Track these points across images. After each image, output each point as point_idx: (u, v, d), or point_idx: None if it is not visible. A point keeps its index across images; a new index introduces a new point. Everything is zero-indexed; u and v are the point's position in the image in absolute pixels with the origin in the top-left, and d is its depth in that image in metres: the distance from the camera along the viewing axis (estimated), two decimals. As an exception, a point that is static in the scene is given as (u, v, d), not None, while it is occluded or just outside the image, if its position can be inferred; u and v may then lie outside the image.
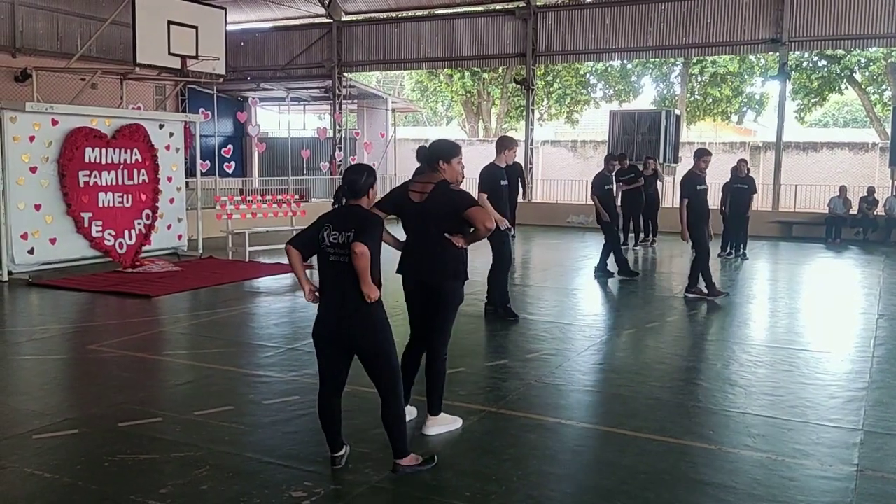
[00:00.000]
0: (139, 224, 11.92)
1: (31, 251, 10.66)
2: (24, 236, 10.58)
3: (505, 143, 7.93)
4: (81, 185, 11.12)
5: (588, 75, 32.72)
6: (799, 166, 24.74)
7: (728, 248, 13.57)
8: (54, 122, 10.86)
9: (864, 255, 14.35)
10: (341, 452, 4.16)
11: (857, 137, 31.88)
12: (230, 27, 17.29)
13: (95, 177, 11.31)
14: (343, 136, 23.43)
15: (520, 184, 14.71)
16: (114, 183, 11.57)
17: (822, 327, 8.26)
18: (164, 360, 6.60)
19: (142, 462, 4.24)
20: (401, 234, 4.65)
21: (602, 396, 5.68)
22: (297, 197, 14.49)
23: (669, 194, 17.68)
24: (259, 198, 13.57)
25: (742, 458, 4.41)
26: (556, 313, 8.90)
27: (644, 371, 6.28)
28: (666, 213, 15.05)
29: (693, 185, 9.25)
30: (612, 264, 11.38)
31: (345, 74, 23.01)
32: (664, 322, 8.26)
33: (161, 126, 12.51)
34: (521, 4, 20.36)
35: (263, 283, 10.46)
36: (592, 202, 11.12)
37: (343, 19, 22.56)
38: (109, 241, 11.47)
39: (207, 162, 16.29)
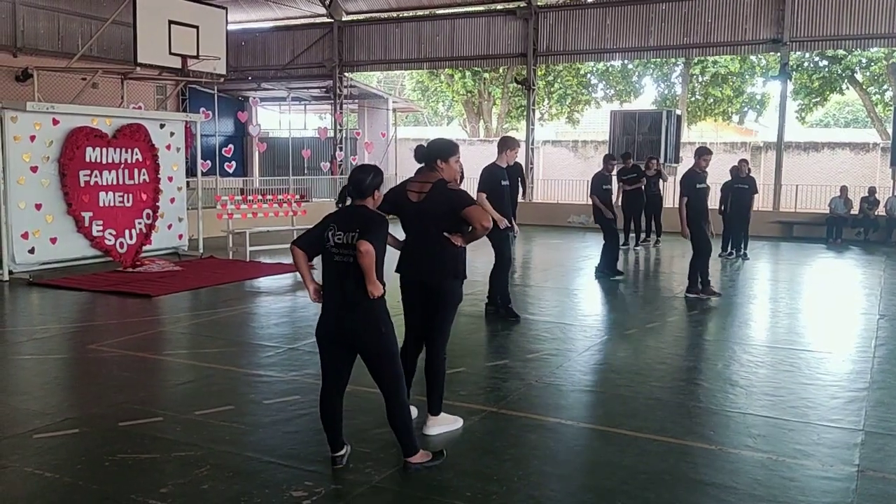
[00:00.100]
0: (140, 224, 11.92)
1: (31, 251, 10.67)
2: (25, 236, 10.58)
3: (507, 144, 7.92)
4: (82, 184, 11.13)
5: (589, 75, 32.72)
6: (800, 166, 24.73)
7: (729, 249, 13.57)
8: (55, 122, 10.86)
9: (864, 256, 14.34)
10: (342, 452, 4.16)
11: (858, 137, 31.86)
12: (231, 27, 17.31)
13: (96, 176, 11.31)
14: (344, 135, 23.43)
15: (520, 184, 14.72)
16: (114, 182, 11.57)
17: (823, 328, 8.25)
18: (165, 360, 6.60)
19: (142, 461, 4.24)
20: (399, 234, 4.64)
21: (603, 397, 5.68)
22: (297, 197, 14.48)
23: (669, 194, 17.67)
24: (260, 198, 13.57)
25: (743, 459, 4.40)
26: (557, 313, 8.89)
27: (645, 371, 6.28)
28: (666, 213, 15.04)
29: (693, 183, 9.26)
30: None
31: (346, 74, 23.01)
32: (665, 322, 8.26)
33: (162, 126, 12.52)
34: (522, 4, 20.35)
35: (264, 282, 10.46)
36: (593, 203, 11.12)
37: (344, 19, 22.56)
38: (110, 240, 11.47)
39: (208, 162, 16.30)
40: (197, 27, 14.51)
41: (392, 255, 4.57)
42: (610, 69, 31.90)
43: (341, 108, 23.10)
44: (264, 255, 12.64)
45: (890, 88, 28.83)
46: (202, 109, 15.87)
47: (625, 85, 32.58)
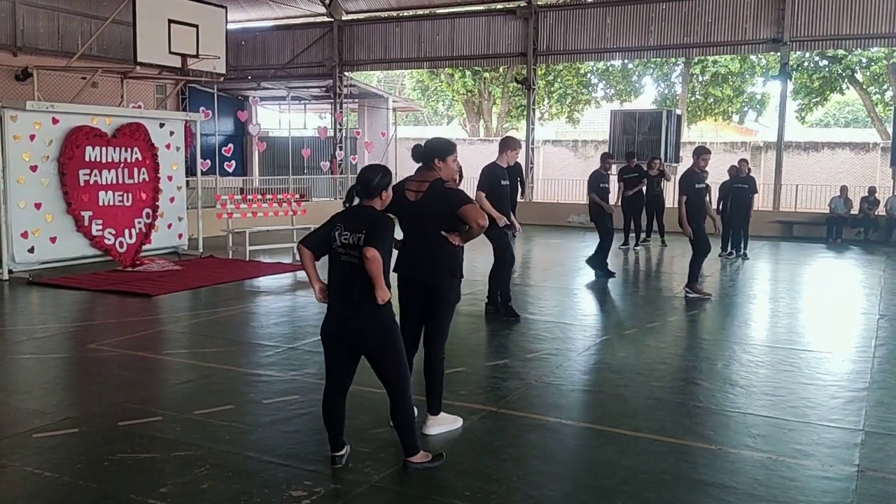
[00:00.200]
0: (139, 223, 11.92)
1: (31, 250, 10.67)
2: (25, 235, 10.58)
3: (508, 144, 7.92)
4: (82, 183, 11.12)
5: (589, 75, 32.72)
6: (800, 166, 24.73)
7: (729, 248, 13.57)
8: (55, 121, 10.86)
9: (864, 256, 14.34)
10: (342, 452, 4.16)
11: (858, 137, 31.87)
12: (231, 26, 17.30)
13: (96, 175, 11.31)
14: (344, 135, 23.42)
15: (519, 184, 14.67)
16: (114, 182, 11.57)
17: (823, 327, 8.25)
18: (165, 359, 6.60)
19: (142, 461, 4.24)
20: (398, 233, 4.64)
21: (602, 396, 5.67)
22: (297, 196, 14.48)
23: (669, 194, 17.66)
24: (259, 197, 13.56)
25: (743, 459, 4.40)
26: (557, 313, 8.89)
27: (644, 371, 6.28)
28: (668, 213, 15.04)
29: (692, 183, 9.26)
30: (611, 264, 11.39)
31: (345, 73, 23.01)
32: (665, 322, 8.26)
33: (161, 125, 12.52)
34: (523, 4, 20.35)
35: (264, 282, 10.45)
36: (588, 200, 11.16)
37: (344, 18, 22.55)
38: (110, 239, 11.47)
39: (208, 161, 16.30)
40: (197, 26, 14.50)
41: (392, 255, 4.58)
42: (610, 69, 31.90)
43: (341, 107, 23.09)
44: (264, 254, 12.64)
45: (890, 88, 28.82)
46: (202, 109, 15.87)
47: (625, 84, 32.58)
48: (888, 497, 3.95)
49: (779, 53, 18.70)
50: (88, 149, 11.19)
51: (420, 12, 21.84)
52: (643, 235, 15.16)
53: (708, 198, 13.99)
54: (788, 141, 22.56)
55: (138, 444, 4.47)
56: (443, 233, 4.45)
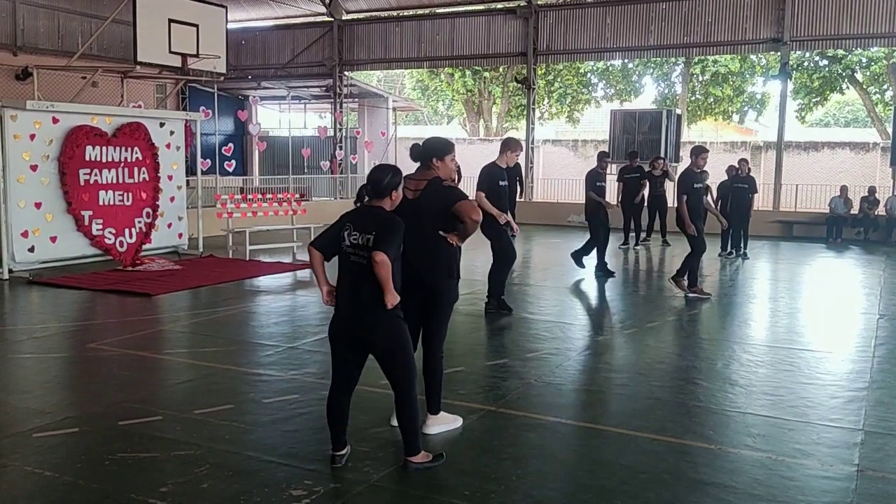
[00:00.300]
0: (140, 222, 11.92)
1: (31, 249, 10.67)
2: (25, 234, 10.58)
3: (508, 145, 7.95)
4: (82, 183, 11.13)
5: (589, 74, 32.72)
6: (800, 166, 24.73)
7: (728, 248, 13.58)
8: (55, 121, 10.86)
9: (864, 255, 14.34)
10: (343, 451, 4.16)
11: (858, 137, 31.88)
12: (231, 25, 17.30)
13: (96, 175, 11.32)
14: (344, 134, 23.42)
15: (518, 184, 14.72)
16: (114, 181, 11.57)
17: (823, 327, 8.25)
18: (165, 359, 6.60)
19: (142, 460, 4.24)
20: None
21: (602, 396, 5.68)
22: (297, 196, 14.48)
23: (671, 194, 17.68)
24: (259, 196, 13.56)
25: (742, 458, 4.40)
26: (557, 312, 8.89)
27: (644, 370, 6.28)
28: (671, 213, 15.05)
29: (690, 182, 9.26)
30: (611, 264, 11.40)
31: (346, 73, 23.01)
32: (665, 321, 8.26)
33: (162, 124, 12.52)
34: (523, 3, 20.35)
35: (264, 281, 10.46)
36: (586, 198, 11.18)
37: (344, 18, 22.55)
38: (110, 239, 11.48)
39: (208, 160, 16.31)
40: (197, 26, 14.49)
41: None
42: (610, 68, 31.91)
43: (341, 106, 23.09)
44: (264, 254, 12.64)
45: (890, 88, 28.83)
46: (202, 108, 15.88)
47: (625, 84, 32.58)
48: (888, 496, 3.96)
49: (779, 53, 18.70)
50: (89, 148, 11.19)
51: (420, 12, 21.84)
52: (643, 235, 15.15)
53: (709, 198, 14.08)
54: (788, 141, 22.56)
55: (138, 443, 4.47)
56: (441, 233, 4.45)
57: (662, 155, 17.66)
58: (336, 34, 22.45)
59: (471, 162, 13.92)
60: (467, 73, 31.99)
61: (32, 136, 10.61)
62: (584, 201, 11.29)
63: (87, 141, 11.18)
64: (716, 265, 12.50)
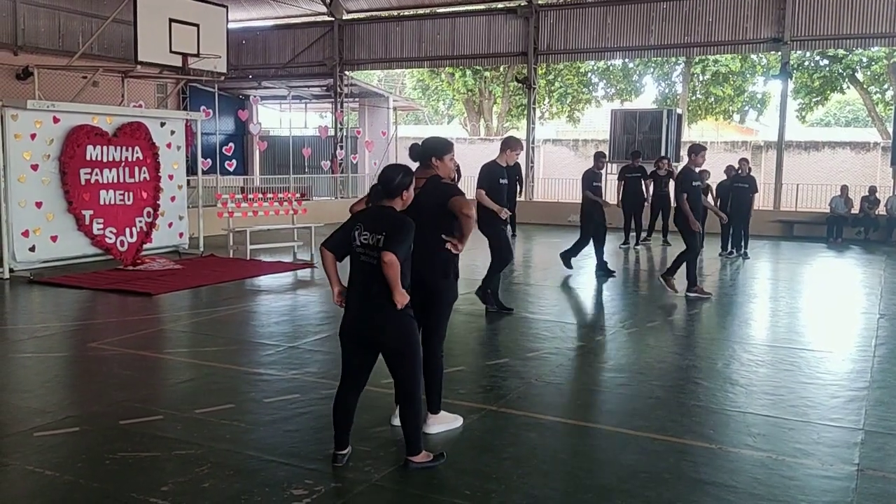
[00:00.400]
0: (140, 222, 11.93)
1: (32, 249, 10.68)
2: (26, 234, 10.59)
3: (509, 144, 7.97)
4: (83, 182, 11.13)
5: (590, 74, 32.71)
6: (800, 166, 24.73)
7: (729, 248, 13.58)
8: (56, 120, 10.87)
9: (865, 255, 14.34)
10: (345, 451, 4.17)
11: (859, 137, 31.87)
12: (231, 25, 17.28)
13: (97, 174, 11.32)
14: (344, 134, 23.43)
15: (517, 182, 14.72)
16: (115, 181, 11.58)
17: (824, 327, 8.25)
18: (165, 358, 6.60)
19: (143, 460, 4.24)
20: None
21: (602, 395, 5.68)
22: (298, 195, 14.48)
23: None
24: (260, 196, 13.56)
25: (743, 458, 4.40)
26: (557, 312, 8.89)
27: (645, 370, 6.28)
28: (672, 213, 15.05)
29: (689, 181, 9.25)
30: (611, 263, 11.41)
31: (346, 73, 23.01)
32: (665, 321, 8.26)
33: (162, 124, 12.53)
34: (523, 3, 20.35)
35: (264, 281, 10.46)
36: (582, 198, 11.22)
37: (345, 17, 22.55)
38: (111, 238, 11.48)
39: (209, 160, 16.31)
40: (197, 25, 14.49)
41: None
42: (611, 68, 31.90)
43: (342, 106, 23.09)
44: (265, 253, 12.64)
45: (891, 88, 28.81)
46: (203, 108, 15.89)
47: (625, 84, 32.57)
48: (888, 496, 3.96)
49: (779, 53, 18.70)
50: (89, 148, 11.20)
51: (421, 11, 21.84)
52: (644, 234, 15.15)
53: (709, 197, 14.09)
54: (789, 140, 22.56)
55: (139, 442, 4.47)
56: (443, 236, 4.45)
57: (663, 154, 17.68)
58: (336, 34, 22.45)
59: (471, 161, 13.91)
60: (468, 72, 31.99)
61: (33, 136, 10.61)
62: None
63: (88, 140, 11.18)
64: (716, 265, 12.50)
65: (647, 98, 33.55)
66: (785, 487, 4.01)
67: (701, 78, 30.83)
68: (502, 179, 7.94)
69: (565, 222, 19.12)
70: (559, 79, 32.18)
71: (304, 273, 11.10)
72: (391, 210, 3.99)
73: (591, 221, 11.04)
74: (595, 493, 3.94)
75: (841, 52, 26.13)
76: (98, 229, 11.33)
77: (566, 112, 33.86)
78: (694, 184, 9.30)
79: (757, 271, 12.21)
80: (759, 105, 33.09)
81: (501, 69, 30.90)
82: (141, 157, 11.95)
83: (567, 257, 11.21)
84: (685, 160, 14.92)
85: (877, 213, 16.81)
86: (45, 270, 10.60)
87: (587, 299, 9.89)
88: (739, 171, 13.61)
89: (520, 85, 21.88)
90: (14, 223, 10.44)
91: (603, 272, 11.00)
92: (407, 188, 4.03)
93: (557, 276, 11.06)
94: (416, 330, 4.03)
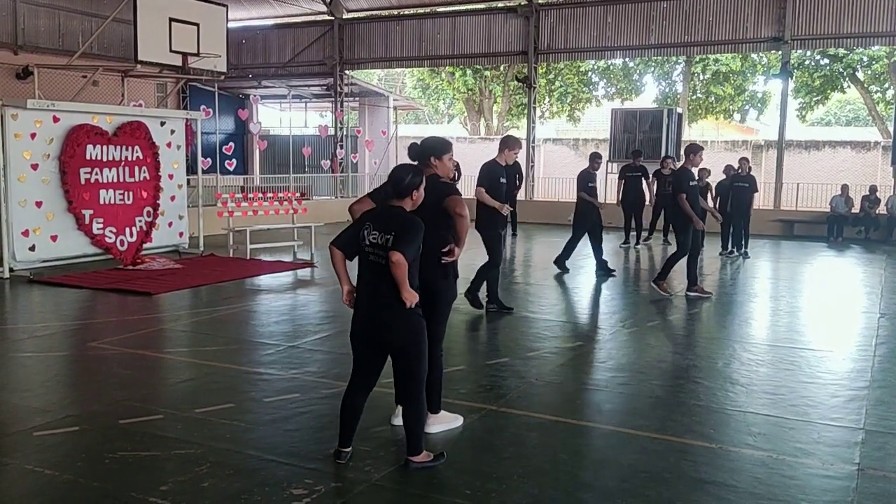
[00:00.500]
0: (140, 221, 11.92)
1: (32, 248, 10.67)
2: (26, 233, 10.59)
3: (507, 143, 7.99)
4: (83, 182, 11.13)
5: (590, 73, 32.70)
6: (801, 165, 24.73)
7: (729, 247, 13.58)
8: (55, 120, 10.86)
9: (865, 254, 14.34)
10: (348, 449, 4.17)
11: (860, 136, 31.89)
12: (231, 24, 17.27)
13: (97, 174, 11.32)
14: (344, 133, 23.42)
15: (516, 179, 14.71)
16: (115, 180, 11.57)
17: (824, 326, 8.25)
18: (165, 358, 6.60)
19: (142, 459, 4.24)
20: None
21: (603, 395, 5.67)
22: (298, 195, 14.48)
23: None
24: (260, 195, 13.56)
25: (743, 457, 4.40)
26: (558, 311, 8.89)
27: (645, 369, 6.28)
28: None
29: (687, 180, 9.25)
30: (611, 263, 11.40)
31: (346, 72, 23.00)
32: (665, 320, 8.26)
33: (162, 123, 12.52)
34: (524, 2, 20.34)
35: (264, 280, 10.46)
36: (577, 199, 11.22)
37: (345, 17, 22.54)
38: (110, 238, 11.48)
39: (209, 159, 16.31)
40: (197, 25, 14.48)
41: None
42: (611, 67, 31.88)
43: (342, 105, 23.09)
44: (265, 252, 12.63)
45: (891, 87, 28.80)
46: (203, 107, 15.87)
47: (626, 83, 32.56)
48: (889, 495, 3.95)
49: (780, 52, 18.69)
50: (89, 147, 11.19)
51: (421, 11, 21.83)
52: (645, 234, 15.14)
53: (709, 197, 14.09)
54: (789, 139, 22.56)
55: (139, 442, 4.47)
56: (442, 252, 4.44)
57: (664, 154, 17.68)
58: (337, 33, 22.44)
59: (472, 161, 13.91)
60: (468, 71, 31.98)
61: (33, 135, 10.61)
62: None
63: (88, 140, 11.18)
64: (716, 264, 12.50)
65: (647, 97, 33.56)
66: (785, 487, 4.01)
67: (701, 77, 30.82)
68: (502, 179, 7.96)
69: (565, 222, 19.08)
70: (559, 78, 32.17)
71: (304, 272, 11.09)
72: (401, 210, 3.99)
73: (585, 222, 11.05)
74: (595, 493, 3.94)
75: (841, 51, 26.12)
76: (98, 229, 11.33)
77: (566, 111, 33.85)
78: (691, 184, 9.30)
79: (757, 270, 12.21)
80: (759, 104, 33.08)
81: (502, 68, 30.89)
82: (141, 157, 11.94)
83: (561, 261, 11.19)
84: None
85: (877, 212, 16.81)
86: (45, 270, 10.59)
87: (587, 299, 9.88)
88: (739, 171, 13.61)
89: (520, 84, 21.87)
90: (14, 223, 10.44)
91: (603, 272, 10.99)
92: (417, 188, 4.03)
93: (557, 275, 11.05)
94: (424, 329, 4.03)
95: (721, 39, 18.64)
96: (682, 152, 18.96)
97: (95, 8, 18.92)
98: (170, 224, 12.56)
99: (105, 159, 11.42)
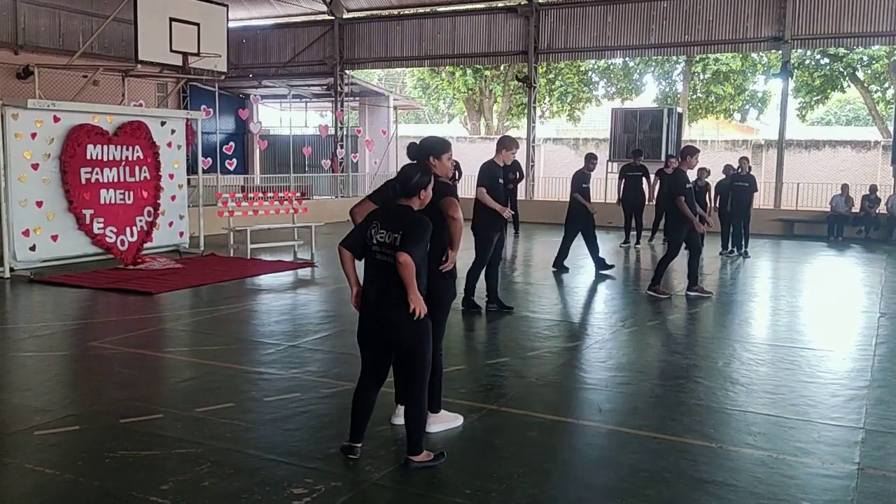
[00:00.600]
0: (141, 221, 11.93)
1: (32, 248, 10.68)
2: (26, 233, 10.59)
3: (505, 143, 8.01)
4: (83, 181, 11.13)
5: (590, 73, 32.69)
6: (801, 164, 24.72)
7: (729, 246, 13.58)
8: (56, 119, 10.86)
9: (865, 254, 14.34)
10: (359, 445, 4.19)
11: (860, 135, 31.88)
12: (232, 24, 17.27)
13: (97, 174, 11.32)
14: (345, 133, 23.42)
15: (516, 176, 14.70)
16: (115, 180, 11.57)
17: (824, 326, 8.25)
18: (166, 357, 6.60)
19: (143, 458, 4.24)
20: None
21: (603, 394, 5.67)
22: (298, 194, 14.48)
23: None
24: (261, 195, 13.56)
25: (743, 457, 4.40)
26: (558, 311, 8.90)
27: (645, 369, 6.28)
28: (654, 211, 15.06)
29: (683, 182, 9.25)
30: (609, 259, 11.42)
31: (346, 72, 23.00)
32: (665, 320, 8.26)
33: (163, 123, 12.53)
34: (524, 2, 20.34)
35: (265, 280, 10.46)
36: (570, 199, 11.24)
37: (345, 16, 22.54)
38: (111, 237, 11.48)
39: (209, 159, 16.30)
40: (198, 24, 14.48)
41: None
42: (611, 67, 31.87)
43: (342, 105, 23.09)
44: (265, 252, 12.64)
45: (891, 86, 28.79)
46: (203, 107, 15.87)
47: (626, 83, 32.56)
48: (889, 495, 3.96)
49: (780, 51, 18.68)
50: (90, 147, 11.19)
51: (421, 10, 21.83)
52: (648, 234, 15.12)
53: (709, 197, 14.09)
54: (790, 139, 22.54)
55: (139, 441, 4.47)
56: (440, 267, 4.44)
57: (664, 153, 17.68)
58: (337, 33, 22.44)
59: (472, 160, 13.91)
60: (468, 71, 31.97)
61: (34, 135, 10.61)
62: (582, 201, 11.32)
63: (89, 140, 11.18)
64: (717, 264, 12.50)
65: (647, 97, 33.56)
66: (785, 486, 4.01)
67: (701, 77, 30.81)
68: (500, 179, 7.98)
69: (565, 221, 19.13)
70: (560, 77, 32.16)
71: (304, 272, 11.10)
72: (408, 209, 3.99)
73: (578, 222, 11.08)
74: (595, 492, 3.94)
75: (842, 50, 26.11)
76: (98, 228, 11.33)
77: (566, 111, 33.84)
78: (687, 186, 9.30)
79: (757, 270, 12.21)
80: (759, 104, 33.08)
81: (502, 68, 30.88)
82: (141, 157, 11.94)
83: (559, 263, 11.20)
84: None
85: (877, 211, 16.80)
86: (45, 270, 10.60)
87: (587, 298, 9.88)
88: (739, 170, 13.62)
89: (520, 84, 21.88)
90: (14, 222, 10.44)
91: (602, 268, 11.02)
92: (425, 187, 4.03)
93: (558, 274, 11.06)
94: (430, 330, 4.02)
95: (721, 39, 18.63)
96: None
97: (96, 8, 18.92)
98: (170, 224, 12.56)
99: (105, 159, 11.42)
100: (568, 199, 11.69)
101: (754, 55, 28.41)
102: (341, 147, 22.32)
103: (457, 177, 12.90)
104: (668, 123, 18.41)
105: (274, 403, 5.21)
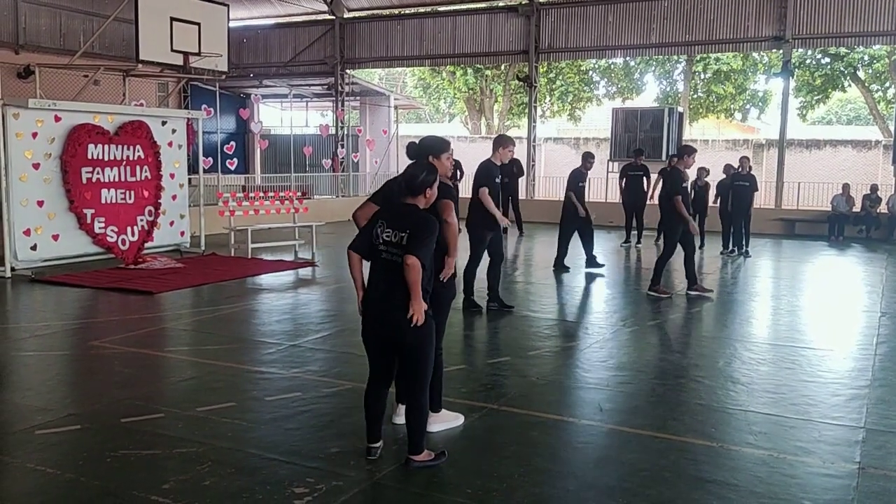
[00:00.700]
0: (142, 220, 11.93)
1: (33, 247, 10.68)
2: (27, 232, 10.60)
3: (500, 142, 8.01)
4: (84, 181, 11.14)
5: (591, 72, 32.69)
6: (802, 164, 24.71)
7: (730, 246, 13.58)
8: (57, 119, 10.87)
9: (866, 253, 14.33)
10: (378, 444, 4.19)
11: (861, 135, 31.86)
12: (232, 24, 17.28)
13: (98, 173, 11.33)
14: (345, 132, 23.43)
15: (519, 171, 14.70)
16: (116, 179, 11.58)
17: (825, 325, 8.25)
18: (167, 357, 6.61)
19: (144, 458, 4.25)
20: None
21: (603, 393, 5.67)
22: (299, 194, 14.49)
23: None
24: (261, 194, 13.56)
25: (744, 456, 4.40)
26: (558, 310, 8.90)
27: (646, 368, 6.28)
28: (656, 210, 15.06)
29: (680, 182, 9.25)
30: (612, 262, 11.42)
31: (347, 71, 23.00)
32: (666, 319, 8.26)
33: (164, 123, 12.53)
34: (524, 1, 20.33)
35: (266, 279, 10.46)
36: (565, 198, 11.24)
37: (346, 16, 22.54)
38: (112, 237, 11.49)
39: (210, 159, 16.31)
40: (199, 24, 14.49)
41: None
42: (612, 66, 31.86)
43: (343, 105, 23.09)
44: (266, 252, 12.64)
45: (892, 86, 28.78)
46: (204, 106, 15.88)
47: (627, 82, 32.56)
48: (889, 494, 3.96)
49: (781, 51, 18.67)
50: (91, 146, 11.20)
51: (422, 10, 21.83)
52: (654, 235, 15.10)
53: (709, 196, 14.09)
54: (791, 138, 22.54)
55: (140, 440, 4.48)
56: (440, 275, 4.44)
57: (664, 153, 17.69)
58: (338, 32, 22.44)
59: (472, 160, 13.91)
60: (469, 71, 31.98)
61: (34, 135, 10.61)
62: (586, 200, 11.32)
63: (89, 139, 11.18)
64: (717, 263, 12.50)
65: (648, 96, 33.58)
66: (786, 486, 4.01)
67: (702, 76, 30.81)
68: (498, 178, 7.99)
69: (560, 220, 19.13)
70: (560, 77, 32.16)
71: (305, 271, 11.10)
72: (414, 208, 3.98)
73: (573, 220, 11.08)
74: (596, 491, 3.94)
75: (842, 50, 26.11)
76: (99, 228, 11.34)
77: (567, 110, 33.84)
78: (683, 185, 9.31)
79: (758, 269, 12.20)
80: (760, 103, 33.06)
81: (502, 67, 30.88)
82: (142, 156, 11.95)
83: (559, 263, 11.21)
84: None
85: (878, 211, 16.80)
86: (46, 269, 10.60)
87: (588, 297, 9.88)
88: (740, 170, 13.62)
89: (521, 83, 21.87)
90: (15, 222, 10.45)
91: (592, 265, 11.03)
92: (430, 186, 4.02)
93: (558, 274, 11.06)
94: (433, 331, 4.02)
95: (722, 38, 18.63)
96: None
97: (97, 7, 18.93)
98: (171, 223, 12.57)
99: (106, 159, 11.42)
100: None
101: (755, 55, 28.41)
102: (342, 147, 22.32)
103: (458, 176, 12.90)
104: (669, 123, 18.42)
105: (275, 403, 5.21)
